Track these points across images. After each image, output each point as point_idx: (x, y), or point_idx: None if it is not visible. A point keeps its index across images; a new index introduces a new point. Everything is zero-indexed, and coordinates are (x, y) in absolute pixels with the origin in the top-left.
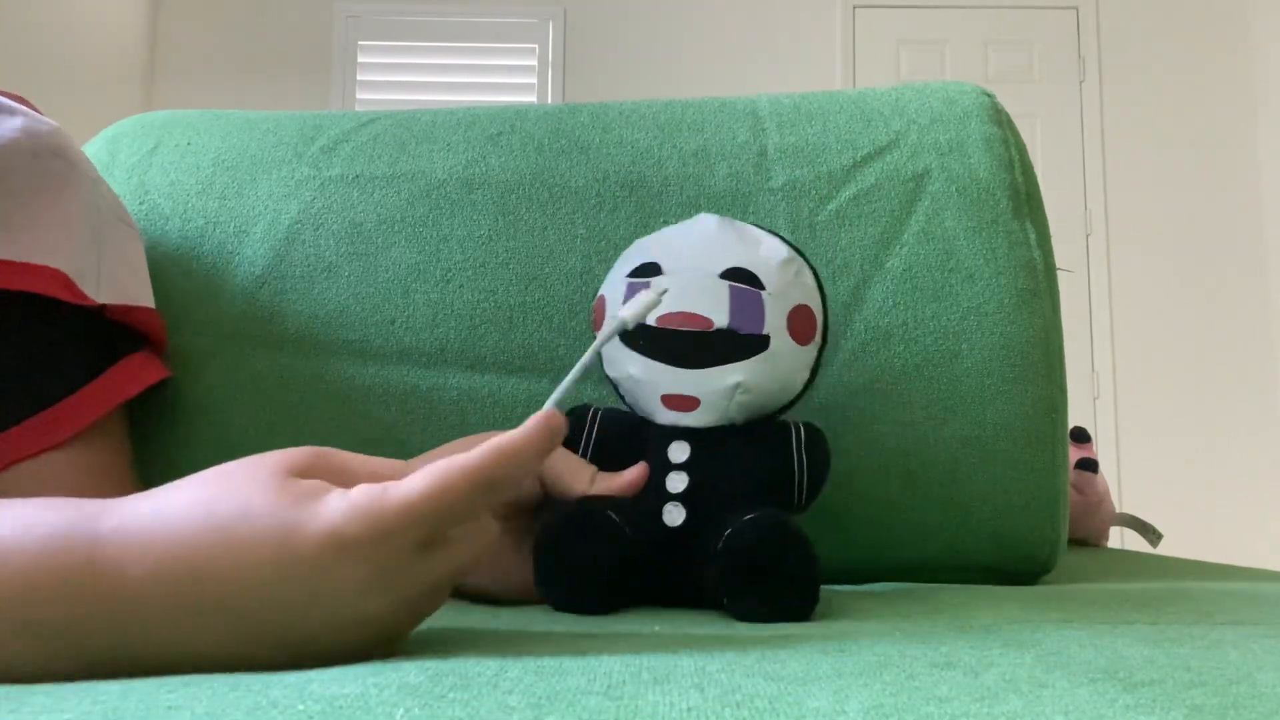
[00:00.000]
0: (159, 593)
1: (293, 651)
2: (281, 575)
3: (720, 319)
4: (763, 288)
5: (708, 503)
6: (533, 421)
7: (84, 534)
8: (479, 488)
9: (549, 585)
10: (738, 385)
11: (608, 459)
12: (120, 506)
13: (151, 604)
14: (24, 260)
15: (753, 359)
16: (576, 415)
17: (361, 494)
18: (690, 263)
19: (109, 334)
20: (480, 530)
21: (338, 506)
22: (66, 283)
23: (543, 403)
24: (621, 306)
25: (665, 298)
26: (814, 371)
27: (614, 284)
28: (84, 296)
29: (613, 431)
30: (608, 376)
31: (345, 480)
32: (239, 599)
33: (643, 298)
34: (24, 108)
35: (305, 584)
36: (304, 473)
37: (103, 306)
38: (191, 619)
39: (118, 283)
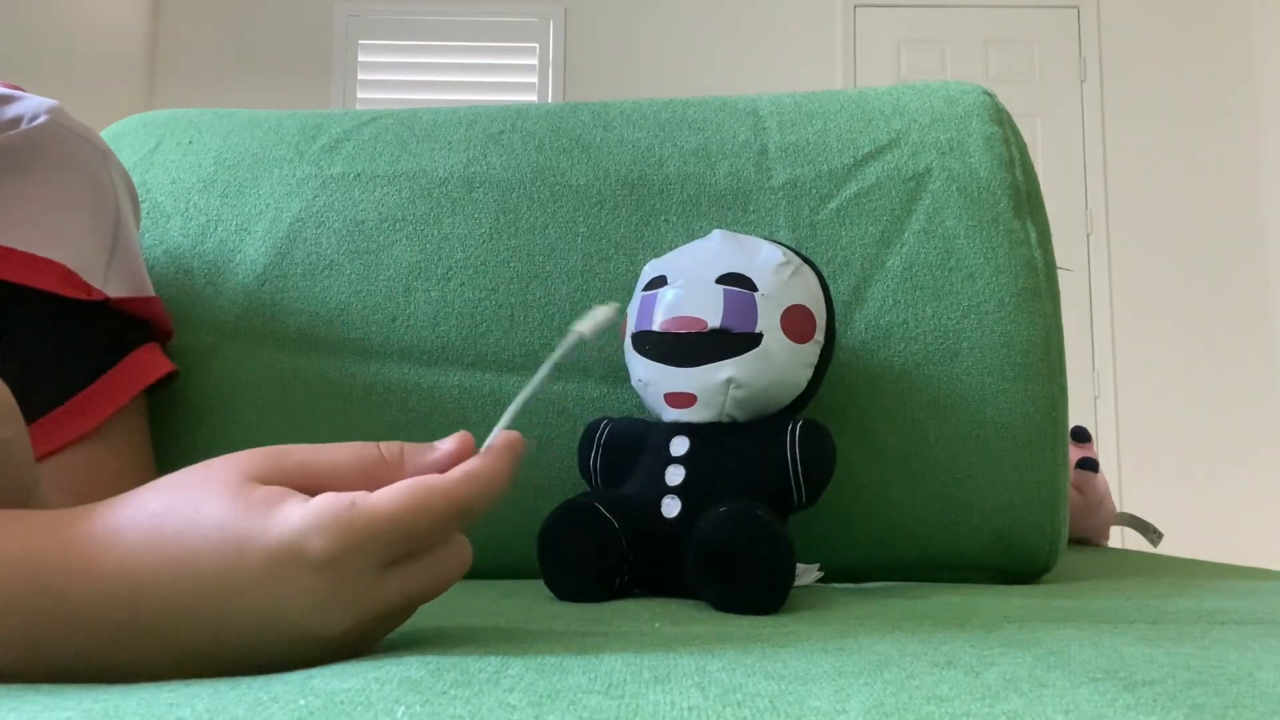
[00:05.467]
0: (105, 612)
1: (244, 670)
2: (228, 590)
3: (714, 320)
4: (755, 289)
5: (702, 496)
6: (500, 448)
7: (34, 557)
8: (454, 514)
9: (547, 578)
10: (730, 380)
11: (619, 464)
12: (74, 523)
13: (98, 624)
14: (29, 251)
15: (745, 355)
16: (588, 428)
17: (326, 505)
18: (692, 272)
19: (116, 325)
20: (455, 553)
21: (296, 516)
22: (68, 276)
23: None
24: (580, 321)
25: (667, 305)
26: (819, 370)
27: (634, 302)
28: (88, 289)
29: (620, 438)
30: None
31: (307, 481)
32: (181, 617)
33: (599, 313)
34: (23, 93)
35: (255, 599)
36: (264, 478)
37: (107, 300)
38: (135, 639)
39: (127, 272)
